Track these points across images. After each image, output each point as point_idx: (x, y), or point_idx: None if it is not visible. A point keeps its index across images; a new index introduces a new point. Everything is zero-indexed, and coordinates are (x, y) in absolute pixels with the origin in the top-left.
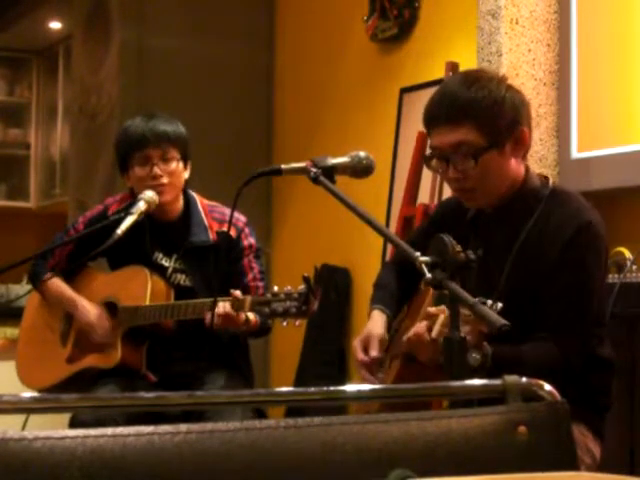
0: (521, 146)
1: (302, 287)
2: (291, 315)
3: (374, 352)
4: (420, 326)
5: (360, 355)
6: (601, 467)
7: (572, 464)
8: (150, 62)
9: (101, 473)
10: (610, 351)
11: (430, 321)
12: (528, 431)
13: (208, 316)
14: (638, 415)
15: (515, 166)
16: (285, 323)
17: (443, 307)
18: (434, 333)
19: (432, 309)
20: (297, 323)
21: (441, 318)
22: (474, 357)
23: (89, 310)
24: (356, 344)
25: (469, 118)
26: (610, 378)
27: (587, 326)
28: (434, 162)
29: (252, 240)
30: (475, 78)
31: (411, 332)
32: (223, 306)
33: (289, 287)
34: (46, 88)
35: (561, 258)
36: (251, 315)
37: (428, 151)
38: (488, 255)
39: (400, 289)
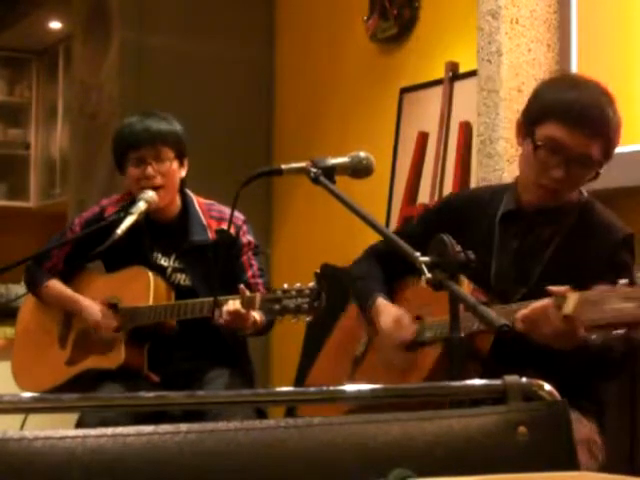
0: None
1: (313, 283)
2: (303, 311)
3: (412, 327)
4: (544, 301)
5: (398, 333)
6: (601, 467)
7: (572, 464)
8: (150, 62)
9: (101, 473)
10: None
11: (557, 299)
12: (528, 431)
13: (216, 314)
14: (638, 415)
15: None
16: (295, 320)
17: (567, 287)
18: (568, 309)
19: (555, 288)
20: (308, 319)
21: (575, 295)
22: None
23: (95, 309)
24: (388, 328)
25: (603, 136)
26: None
27: None
28: (543, 153)
29: (250, 237)
30: (610, 97)
31: (530, 307)
32: (233, 303)
33: (299, 284)
34: (46, 88)
35: (610, 260)
36: (257, 315)
37: (539, 140)
38: (524, 249)
39: (386, 278)
